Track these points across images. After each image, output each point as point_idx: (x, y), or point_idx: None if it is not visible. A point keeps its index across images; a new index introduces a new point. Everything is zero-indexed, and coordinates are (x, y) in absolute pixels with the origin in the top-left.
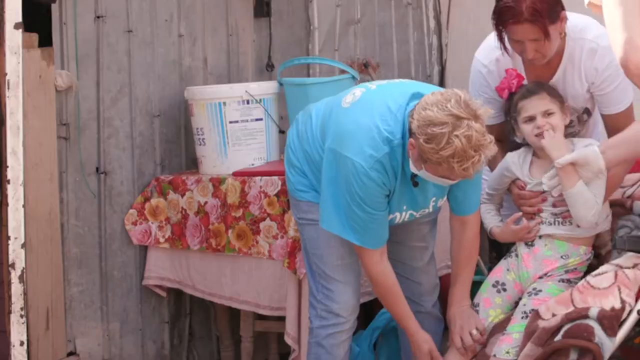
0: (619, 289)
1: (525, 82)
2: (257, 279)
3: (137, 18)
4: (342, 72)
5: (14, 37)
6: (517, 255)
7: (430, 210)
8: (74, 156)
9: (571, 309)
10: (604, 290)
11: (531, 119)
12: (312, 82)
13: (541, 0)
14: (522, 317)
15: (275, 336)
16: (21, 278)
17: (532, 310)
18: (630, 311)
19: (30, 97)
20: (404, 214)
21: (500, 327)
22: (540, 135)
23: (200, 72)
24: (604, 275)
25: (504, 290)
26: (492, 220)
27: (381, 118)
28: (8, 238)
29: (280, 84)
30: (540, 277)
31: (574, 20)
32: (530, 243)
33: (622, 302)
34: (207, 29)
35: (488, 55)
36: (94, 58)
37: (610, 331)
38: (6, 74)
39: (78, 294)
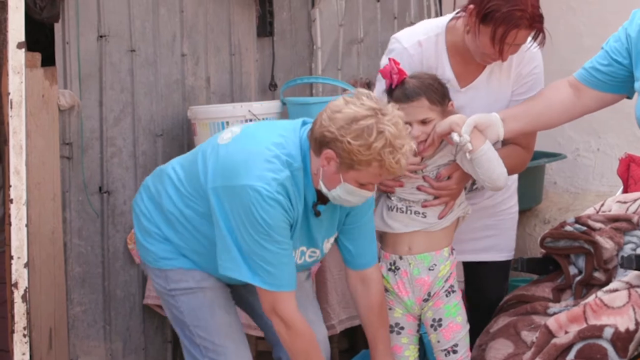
0: (634, 309)
1: (407, 77)
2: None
3: (139, 37)
4: (345, 91)
5: (17, 57)
6: (387, 290)
7: (319, 256)
8: (77, 175)
9: (584, 326)
10: (618, 310)
11: (408, 123)
12: (315, 102)
13: (537, 3)
14: (446, 355)
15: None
16: (24, 297)
17: (455, 345)
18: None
19: (33, 117)
20: (297, 252)
21: None
22: (417, 144)
23: (203, 91)
24: (617, 293)
25: (402, 329)
26: None
27: (274, 143)
28: (11, 257)
29: (283, 104)
30: (425, 300)
31: None
32: (393, 267)
33: (637, 323)
34: (210, 49)
35: (410, 38)
36: (96, 77)
37: (622, 353)
38: (9, 94)
39: (81, 313)
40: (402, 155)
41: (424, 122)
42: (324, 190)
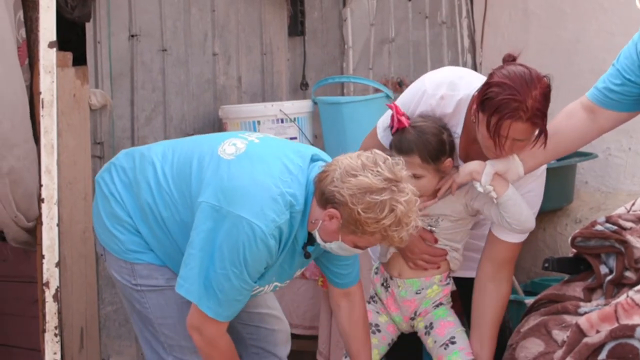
0: None
1: (409, 126)
2: (289, 297)
3: (171, 37)
4: (377, 90)
5: (48, 56)
6: (380, 300)
7: (289, 281)
8: None
9: (615, 325)
10: None
11: None
12: (346, 101)
13: (543, 99)
14: (445, 348)
15: (310, 355)
16: (55, 297)
17: (452, 337)
18: None
19: (64, 116)
20: (269, 286)
21: None
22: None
23: (235, 90)
24: None
25: (379, 331)
26: None
27: (281, 179)
28: (42, 257)
29: (315, 103)
30: (412, 318)
31: None
32: (385, 284)
33: None
34: (242, 48)
35: (436, 89)
36: (128, 77)
37: None
38: (40, 93)
39: (112, 312)
40: (407, 231)
41: (414, 176)
42: (318, 240)
